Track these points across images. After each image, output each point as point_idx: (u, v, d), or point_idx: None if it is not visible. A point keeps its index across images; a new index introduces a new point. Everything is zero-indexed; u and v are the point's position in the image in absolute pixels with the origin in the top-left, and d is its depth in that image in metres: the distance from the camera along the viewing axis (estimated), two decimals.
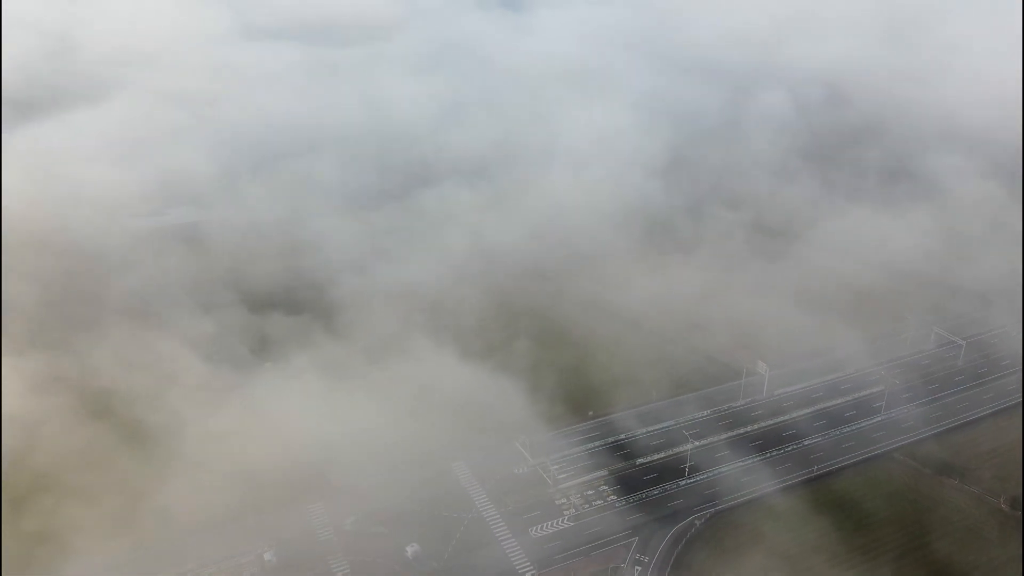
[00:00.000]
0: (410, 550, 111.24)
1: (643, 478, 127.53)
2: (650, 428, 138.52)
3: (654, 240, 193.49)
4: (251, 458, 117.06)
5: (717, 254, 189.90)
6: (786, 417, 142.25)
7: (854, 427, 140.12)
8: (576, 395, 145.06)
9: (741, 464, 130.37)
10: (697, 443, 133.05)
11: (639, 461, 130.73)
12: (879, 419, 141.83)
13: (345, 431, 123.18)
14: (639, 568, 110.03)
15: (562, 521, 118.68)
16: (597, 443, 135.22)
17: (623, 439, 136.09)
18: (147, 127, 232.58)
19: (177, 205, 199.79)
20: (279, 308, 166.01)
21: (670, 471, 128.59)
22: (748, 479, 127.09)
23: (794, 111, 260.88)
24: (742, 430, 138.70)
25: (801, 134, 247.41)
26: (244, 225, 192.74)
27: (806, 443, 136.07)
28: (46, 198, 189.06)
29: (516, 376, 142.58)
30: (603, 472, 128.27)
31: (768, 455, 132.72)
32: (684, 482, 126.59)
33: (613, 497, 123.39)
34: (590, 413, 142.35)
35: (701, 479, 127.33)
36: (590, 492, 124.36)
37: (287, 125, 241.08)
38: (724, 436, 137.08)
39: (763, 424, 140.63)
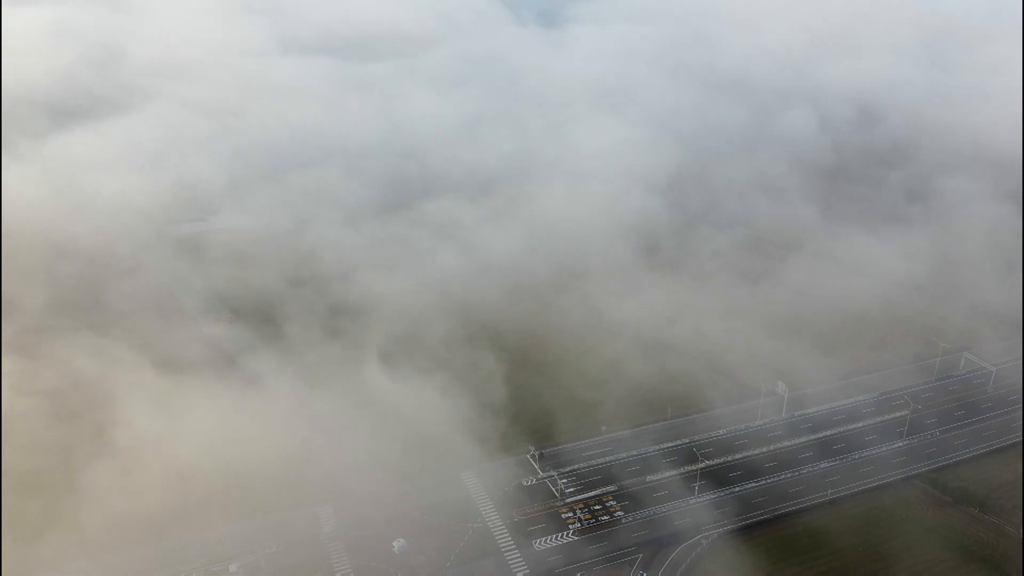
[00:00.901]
0: (396, 544, 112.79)
1: (653, 495, 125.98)
2: (664, 445, 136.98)
3: (641, 258, 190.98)
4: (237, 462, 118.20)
5: (695, 275, 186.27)
6: (804, 439, 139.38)
7: (874, 452, 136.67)
8: (540, 418, 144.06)
9: (755, 485, 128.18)
10: (708, 462, 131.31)
11: (649, 478, 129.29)
12: (900, 444, 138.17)
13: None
14: None
15: (567, 535, 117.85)
16: (609, 458, 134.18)
17: (635, 455, 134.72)
18: (171, 137, 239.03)
19: (187, 213, 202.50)
20: (259, 316, 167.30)
21: (681, 489, 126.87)
22: (760, 500, 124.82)
23: (818, 129, 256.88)
24: (757, 451, 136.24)
25: (823, 153, 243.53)
26: (245, 234, 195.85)
27: (822, 466, 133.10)
28: (60, 203, 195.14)
29: (464, 394, 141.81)
30: (612, 487, 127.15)
31: (783, 477, 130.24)
32: (694, 501, 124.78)
33: (620, 513, 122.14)
34: (603, 428, 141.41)
35: (712, 498, 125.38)
36: (597, 507, 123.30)
37: (305, 137, 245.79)
38: (739, 456, 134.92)
39: (779, 445, 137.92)
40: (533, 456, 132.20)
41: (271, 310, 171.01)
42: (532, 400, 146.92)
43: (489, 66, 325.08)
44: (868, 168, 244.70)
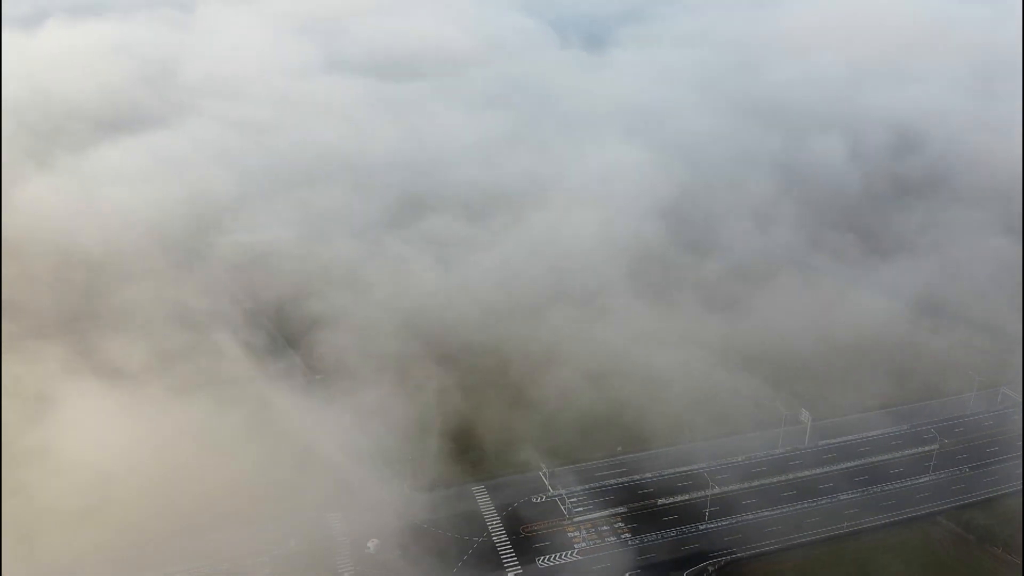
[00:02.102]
0: (371, 544, 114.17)
1: (662, 518, 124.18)
2: (679, 469, 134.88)
3: (623, 282, 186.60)
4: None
5: (668, 302, 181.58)
6: (825, 469, 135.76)
7: (897, 485, 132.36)
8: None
9: (768, 514, 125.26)
10: (723, 488, 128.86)
11: (660, 501, 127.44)
12: (926, 479, 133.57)
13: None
14: None
15: (571, 554, 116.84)
16: (622, 479, 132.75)
17: (648, 478, 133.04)
18: (199, 151, 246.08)
19: (194, 226, 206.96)
20: (233, 328, 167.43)
21: (691, 514, 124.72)
22: (773, 529, 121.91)
23: (848, 157, 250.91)
24: (776, 479, 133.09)
25: (848, 180, 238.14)
26: (241, 246, 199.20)
27: (842, 498, 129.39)
28: (77, 213, 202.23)
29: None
30: (622, 508, 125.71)
31: (799, 506, 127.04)
32: (704, 526, 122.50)
33: (627, 535, 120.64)
34: (619, 448, 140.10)
35: (723, 525, 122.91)
36: (604, 528, 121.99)
37: (327, 153, 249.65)
38: (756, 483, 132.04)
39: (799, 474, 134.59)
40: (545, 473, 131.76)
41: (241, 323, 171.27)
42: (464, 424, 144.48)
43: (525, 87, 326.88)
44: (893, 197, 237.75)
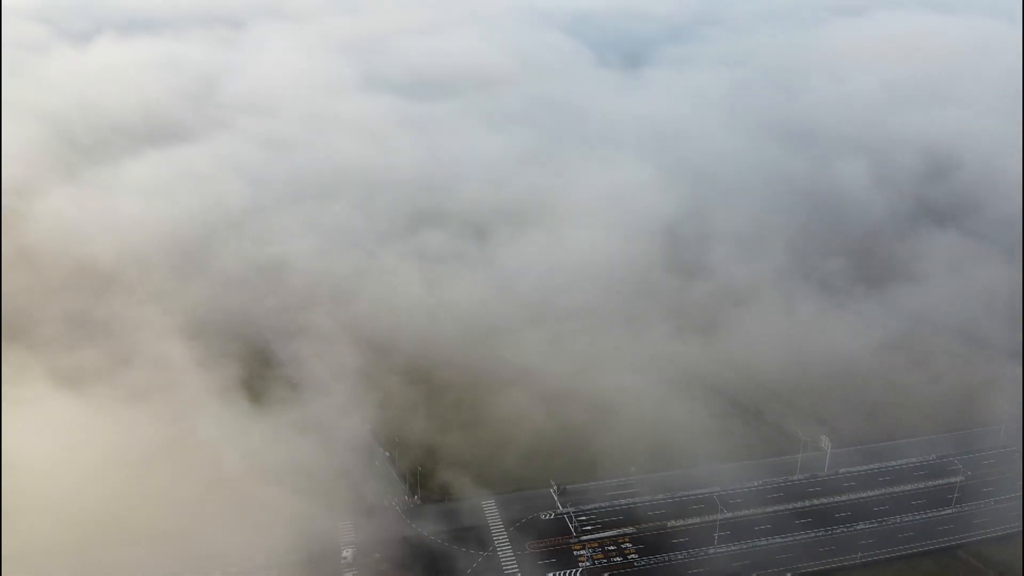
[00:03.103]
0: (347, 553, 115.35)
1: (671, 541, 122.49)
2: (692, 492, 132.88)
3: (605, 303, 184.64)
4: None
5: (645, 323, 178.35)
6: (843, 498, 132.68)
7: (917, 517, 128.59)
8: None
9: (780, 540, 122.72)
10: (735, 513, 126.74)
11: (670, 523, 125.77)
12: (949, 511, 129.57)
13: None
14: None
15: (575, 573, 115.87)
16: (634, 500, 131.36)
17: (661, 499, 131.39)
18: (220, 166, 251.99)
19: (202, 237, 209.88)
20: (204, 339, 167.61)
21: (701, 537, 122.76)
22: (783, 557, 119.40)
23: (872, 180, 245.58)
24: (790, 505, 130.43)
25: (870, 204, 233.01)
26: (242, 258, 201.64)
27: (858, 527, 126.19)
28: (92, 224, 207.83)
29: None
30: (630, 529, 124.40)
31: (812, 535, 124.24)
32: (713, 550, 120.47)
33: (634, 556, 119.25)
34: (632, 469, 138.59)
35: (733, 550, 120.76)
36: (611, 547, 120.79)
37: (345, 169, 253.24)
38: (770, 509, 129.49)
39: (815, 502, 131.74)
40: (555, 490, 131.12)
41: (215, 335, 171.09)
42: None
43: (553, 106, 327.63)
44: (912, 223, 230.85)
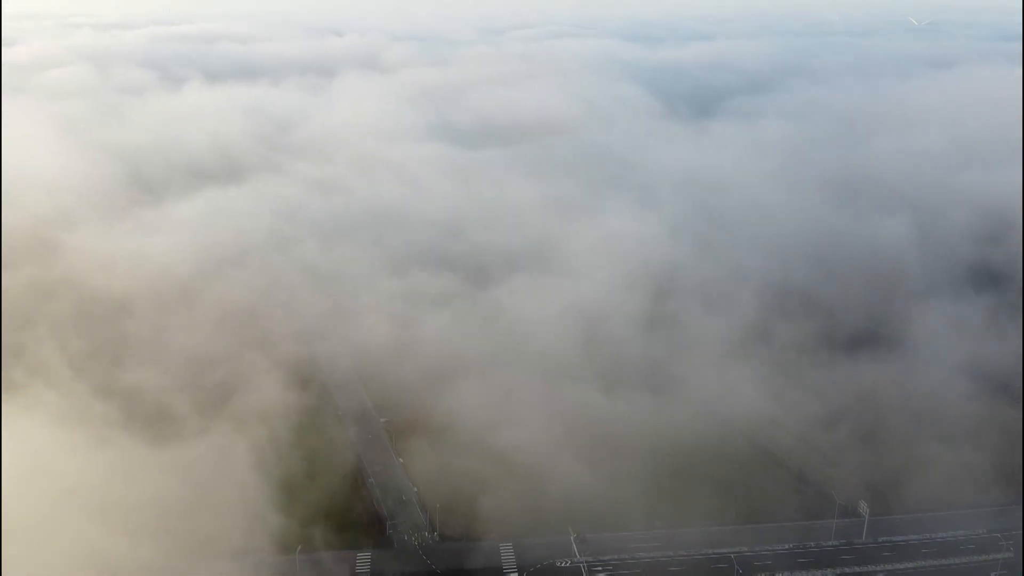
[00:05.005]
0: None
1: None
2: (717, 550, 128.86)
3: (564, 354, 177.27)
4: None
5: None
6: (877, 567, 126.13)
7: None
8: None
9: None
10: None
11: None
12: None
13: None
14: None
15: None
16: (655, 553, 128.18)
17: (683, 555, 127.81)
18: (255, 204, 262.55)
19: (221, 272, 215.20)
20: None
21: None
22: None
23: (916, 239, 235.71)
24: (823, 571, 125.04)
25: (907, 264, 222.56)
26: (244, 288, 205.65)
27: None
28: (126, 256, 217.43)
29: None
30: None
31: None
32: None
33: None
34: (656, 523, 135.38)
35: None
36: None
37: (378, 211, 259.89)
38: (799, 574, 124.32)
39: (850, 570, 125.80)
40: (575, 538, 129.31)
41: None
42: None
43: (603, 155, 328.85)
44: (952, 284, 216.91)
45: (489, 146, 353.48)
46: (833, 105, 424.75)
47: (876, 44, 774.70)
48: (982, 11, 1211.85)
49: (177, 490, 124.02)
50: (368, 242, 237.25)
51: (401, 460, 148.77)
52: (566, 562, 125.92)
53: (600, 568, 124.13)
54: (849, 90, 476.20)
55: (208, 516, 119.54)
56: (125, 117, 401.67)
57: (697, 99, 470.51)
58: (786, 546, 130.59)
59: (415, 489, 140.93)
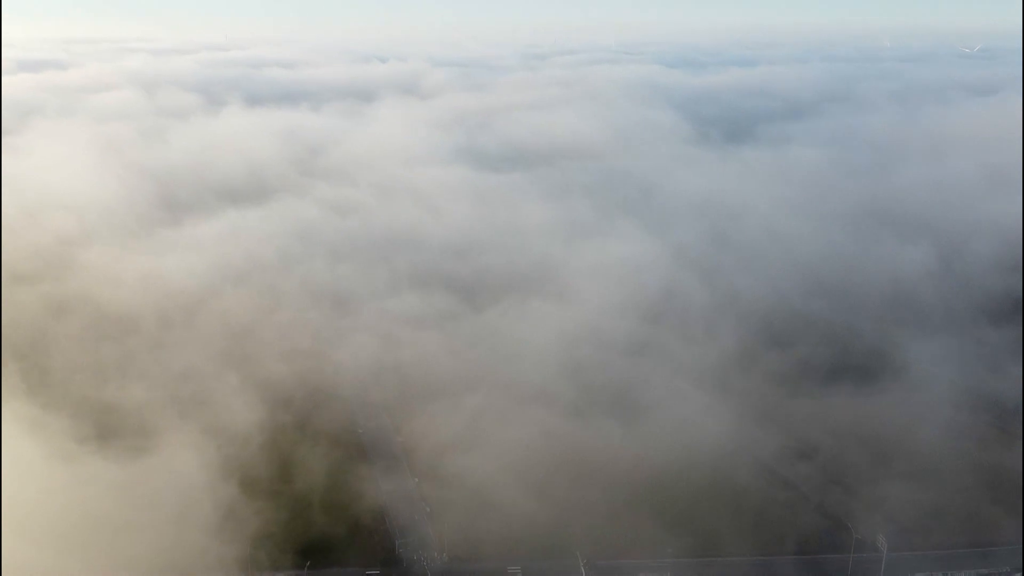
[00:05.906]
0: None
1: None
2: None
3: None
4: None
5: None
6: None
7: None
8: None
9: None
10: None
11: None
12: None
13: None
14: None
15: None
16: None
17: None
18: (269, 226, 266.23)
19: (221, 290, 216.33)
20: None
21: None
22: None
23: (935, 268, 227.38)
24: None
25: (922, 293, 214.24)
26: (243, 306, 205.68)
27: None
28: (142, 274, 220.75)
29: None
30: None
31: None
32: None
33: None
34: (669, 551, 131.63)
35: None
36: None
37: (386, 233, 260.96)
38: None
39: None
40: (584, 564, 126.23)
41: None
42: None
43: (622, 180, 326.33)
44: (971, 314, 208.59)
45: (512, 170, 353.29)
46: (867, 131, 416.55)
47: (924, 70, 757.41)
48: None
49: (157, 506, 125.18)
50: (374, 263, 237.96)
51: (416, 480, 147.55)
52: None
53: None
54: (886, 116, 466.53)
55: (202, 533, 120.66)
56: (165, 140, 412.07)
57: (731, 124, 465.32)
58: None
59: (427, 508, 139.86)
